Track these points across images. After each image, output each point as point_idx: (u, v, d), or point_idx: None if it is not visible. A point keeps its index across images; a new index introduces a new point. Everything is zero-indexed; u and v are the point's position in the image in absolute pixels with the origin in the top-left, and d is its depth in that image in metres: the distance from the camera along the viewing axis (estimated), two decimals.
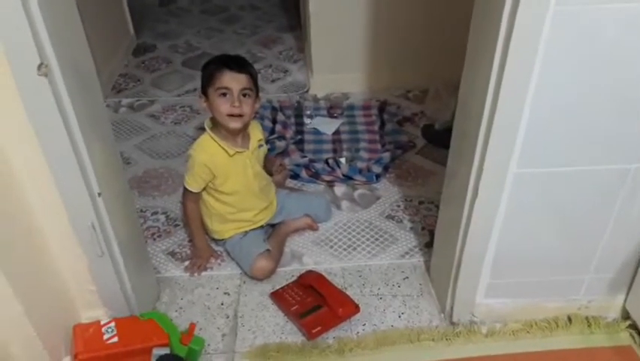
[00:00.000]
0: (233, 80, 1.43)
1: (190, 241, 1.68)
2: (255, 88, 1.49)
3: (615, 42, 0.97)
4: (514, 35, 0.94)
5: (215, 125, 1.51)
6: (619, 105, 1.04)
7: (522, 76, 1.00)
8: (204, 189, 1.55)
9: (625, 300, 1.37)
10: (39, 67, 0.94)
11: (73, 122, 1.02)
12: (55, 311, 1.19)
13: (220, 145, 1.49)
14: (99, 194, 1.13)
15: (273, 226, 1.71)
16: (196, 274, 1.57)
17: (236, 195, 1.56)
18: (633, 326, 1.36)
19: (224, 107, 1.44)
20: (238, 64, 1.45)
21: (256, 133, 1.58)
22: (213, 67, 1.45)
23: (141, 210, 1.82)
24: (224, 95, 1.43)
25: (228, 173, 1.51)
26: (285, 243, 1.67)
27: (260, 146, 1.60)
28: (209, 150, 1.49)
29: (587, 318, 1.39)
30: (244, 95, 1.45)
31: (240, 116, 1.46)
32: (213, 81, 1.43)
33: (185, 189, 1.55)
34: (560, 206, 1.19)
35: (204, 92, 1.48)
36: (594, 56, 0.98)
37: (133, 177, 1.98)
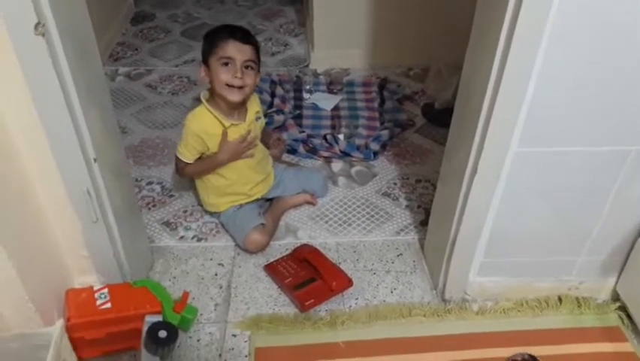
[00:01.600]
0: (237, 51, 1.40)
1: (217, 165, 1.53)
2: (258, 61, 1.46)
3: (623, 22, 0.95)
4: (522, 12, 0.93)
5: (212, 96, 1.49)
6: (624, 87, 1.04)
7: (528, 54, 0.98)
8: (198, 160, 1.53)
9: (616, 283, 1.38)
10: (36, 26, 0.92)
11: (70, 84, 1.01)
12: (48, 276, 1.19)
13: (215, 116, 1.47)
14: (95, 159, 1.12)
15: (269, 200, 1.71)
16: (247, 146, 1.51)
17: (231, 167, 1.55)
18: (622, 308, 1.38)
19: (224, 75, 1.41)
20: (243, 35, 1.43)
21: (254, 105, 1.56)
22: (218, 35, 1.42)
23: (136, 180, 1.81)
24: (226, 64, 1.41)
25: (225, 145, 1.49)
26: (281, 218, 1.67)
27: (257, 118, 1.58)
28: (203, 121, 1.47)
29: (577, 299, 1.40)
30: (247, 67, 1.43)
31: (241, 88, 1.43)
32: (216, 50, 1.41)
33: (178, 159, 1.53)
34: (558, 187, 1.19)
35: (205, 61, 1.45)
36: (601, 35, 0.97)
37: (129, 147, 1.96)
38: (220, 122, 1.47)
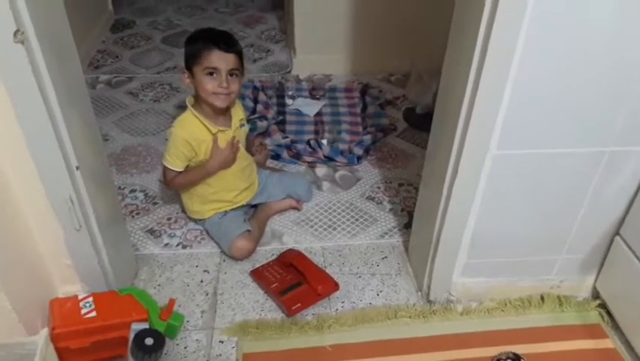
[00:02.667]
0: (221, 60, 1.39)
1: (208, 174, 1.52)
2: (241, 67, 1.46)
3: (598, 26, 0.98)
4: (497, 17, 0.95)
5: (198, 102, 1.48)
6: (598, 89, 1.07)
7: (504, 58, 1.01)
8: (186, 168, 1.52)
9: (595, 280, 1.42)
10: (15, 34, 0.91)
11: (51, 91, 1.00)
12: (31, 285, 1.17)
13: (202, 123, 1.46)
14: (77, 167, 1.11)
15: (253, 206, 1.71)
16: (234, 151, 1.51)
17: (216, 175, 1.54)
18: (602, 306, 1.41)
19: (210, 85, 1.41)
20: (227, 43, 1.41)
21: (238, 112, 1.56)
22: (201, 44, 1.40)
23: (119, 188, 1.80)
24: (211, 74, 1.41)
25: (209, 151, 1.49)
26: (266, 224, 1.67)
27: (242, 125, 1.58)
28: (190, 127, 1.47)
29: (558, 297, 1.43)
30: (231, 75, 1.42)
31: (227, 95, 1.44)
32: (201, 60, 1.39)
33: (166, 169, 1.50)
34: (537, 188, 1.22)
35: (189, 68, 1.44)
36: (576, 39, 1.00)
37: (111, 154, 1.95)
38: (207, 128, 1.47)
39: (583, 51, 1.01)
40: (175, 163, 1.48)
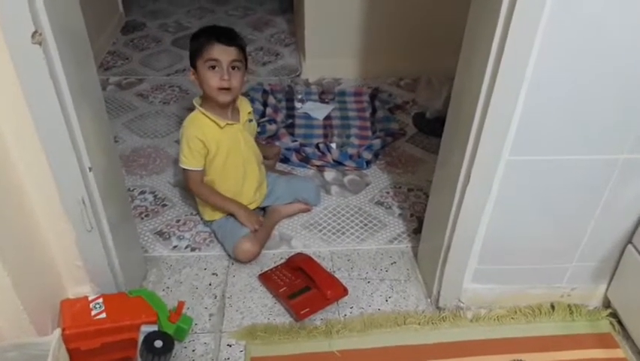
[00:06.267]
0: (222, 53, 1.42)
1: (226, 209, 1.58)
2: (244, 60, 1.48)
3: (613, 33, 0.98)
4: (513, 24, 0.95)
5: (205, 100, 1.50)
6: (613, 96, 1.06)
7: (519, 64, 1.00)
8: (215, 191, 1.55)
9: (607, 289, 1.40)
10: (33, 35, 0.91)
11: (66, 93, 1.00)
12: (42, 285, 1.17)
13: (211, 119, 1.48)
14: (90, 168, 1.12)
15: (262, 209, 1.71)
16: (257, 227, 1.55)
17: (228, 178, 1.55)
18: (613, 315, 1.40)
19: (213, 80, 1.43)
20: (228, 36, 1.44)
21: (245, 107, 1.58)
22: (203, 39, 1.43)
23: (129, 190, 1.80)
24: (213, 67, 1.43)
25: (220, 146, 1.50)
26: (274, 228, 1.67)
27: (250, 120, 1.60)
28: (200, 124, 1.49)
29: (569, 306, 1.42)
30: (233, 68, 1.44)
31: (230, 89, 1.45)
32: (202, 53, 1.42)
33: (186, 172, 1.52)
34: (550, 194, 1.21)
35: (193, 64, 1.47)
36: (591, 45, 0.99)
37: (120, 156, 1.95)
38: (216, 123, 1.48)
39: (599, 58, 1.01)
40: (191, 163, 1.50)
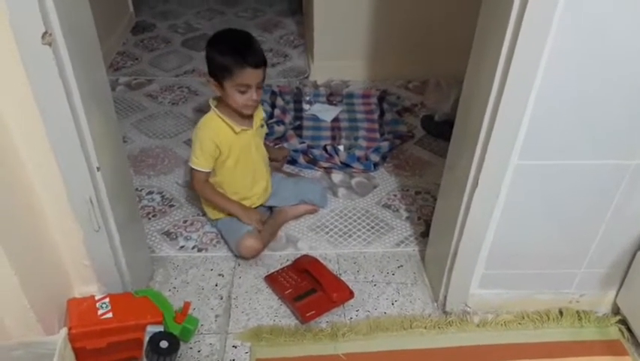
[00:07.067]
0: (253, 77, 1.42)
1: (228, 209, 1.59)
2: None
3: (621, 38, 0.97)
4: (523, 29, 0.94)
5: (221, 102, 1.50)
6: (622, 101, 1.05)
7: (529, 69, 1.00)
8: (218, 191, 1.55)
9: (616, 295, 1.39)
10: (43, 35, 0.92)
11: (76, 93, 1.01)
12: (50, 284, 1.18)
13: (226, 123, 1.49)
14: (98, 168, 1.12)
15: (269, 209, 1.71)
16: (259, 226, 1.56)
17: (237, 181, 1.57)
18: (623, 322, 1.38)
19: (241, 99, 1.44)
20: (257, 57, 1.41)
21: (258, 113, 1.59)
22: (231, 60, 1.39)
23: (137, 190, 1.81)
24: (243, 92, 1.43)
25: (232, 150, 1.51)
26: (280, 229, 1.67)
27: (262, 125, 1.61)
28: (215, 127, 1.49)
29: (577, 312, 1.40)
30: (258, 88, 1.45)
31: (255, 105, 1.48)
32: (233, 77, 1.40)
33: (193, 171, 1.53)
34: (559, 199, 1.20)
35: (214, 75, 1.45)
36: (600, 51, 0.98)
37: (129, 156, 1.96)
38: (231, 127, 1.49)
39: (608, 62, 1.00)
40: (202, 164, 1.51)
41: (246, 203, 1.62)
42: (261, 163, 1.62)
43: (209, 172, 1.54)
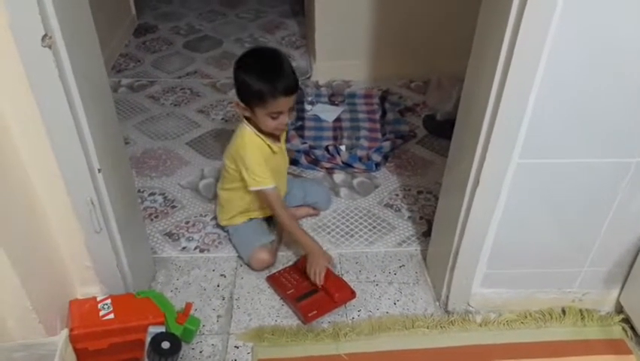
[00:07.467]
0: (286, 104, 1.38)
1: (295, 240, 1.53)
2: None
3: (622, 36, 0.96)
4: (522, 26, 0.94)
5: (251, 121, 1.45)
6: (624, 99, 1.04)
7: (529, 67, 0.99)
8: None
9: (619, 294, 1.38)
10: (43, 38, 0.92)
11: (76, 95, 1.01)
12: (51, 286, 1.18)
13: (265, 142, 1.46)
14: (99, 170, 1.12)
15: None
16: (318, 282, 1.41)
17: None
18: (626, 320, 1.37)
19: (273, 123, 1.40)
20: (289, 83, 1.36)
21: None
22: (265, 88, 1.34)
23: (139, 191, 1.81)
24: (275, 118, 1.39)
25: (269, 167, 1.46)
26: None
27: (286, 140, 1.62)
28: (258, 144, 1.45)
29: (580, 311, 1.40)
30: (290, 110, 1.42)
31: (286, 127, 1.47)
32: (265, 105, 1.36)
33: (265, 194, 1.45)
34: (560, 198, 1.20)
35: (245, 100, 1.40)
36: (601, 49, 0.98)
37: (131, 158, 1.97)
38: (269, 146, 1.47)
39: (610, 60, 0.99)
40: (268, 181, 1.44)
41: (263, 212, 1.60)
42: (286, 175, 1.63)
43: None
